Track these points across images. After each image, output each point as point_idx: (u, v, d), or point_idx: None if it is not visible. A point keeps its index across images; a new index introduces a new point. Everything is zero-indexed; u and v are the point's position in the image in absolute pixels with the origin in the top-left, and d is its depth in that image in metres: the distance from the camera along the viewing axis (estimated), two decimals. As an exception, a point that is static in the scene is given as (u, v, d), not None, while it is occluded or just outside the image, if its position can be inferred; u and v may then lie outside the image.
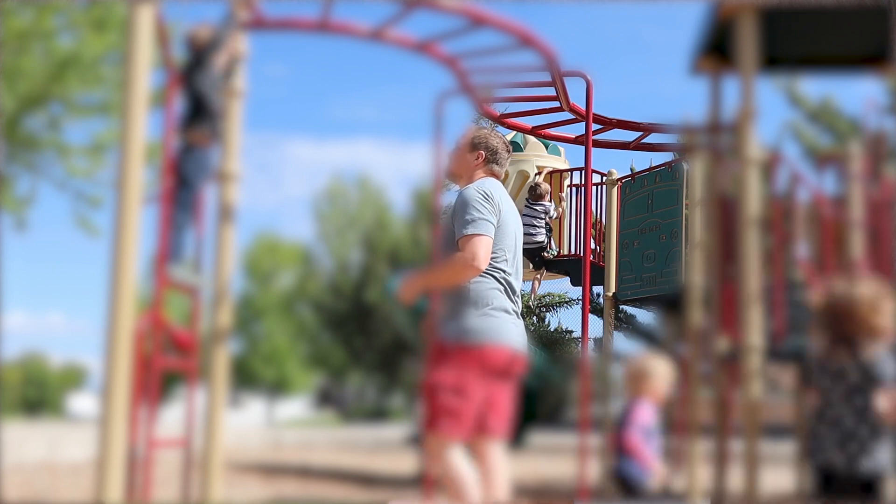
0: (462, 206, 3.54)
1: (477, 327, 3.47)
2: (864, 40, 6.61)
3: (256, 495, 6.68)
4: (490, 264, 3.52)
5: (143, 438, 3.82)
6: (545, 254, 8.20)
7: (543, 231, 8.16)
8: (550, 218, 8.31)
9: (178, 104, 4.36)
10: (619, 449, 4.27)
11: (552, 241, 8.82)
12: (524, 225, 7.97)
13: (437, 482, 5.87)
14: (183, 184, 4.22)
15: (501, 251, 3.56)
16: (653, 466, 4.31)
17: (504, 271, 3.57)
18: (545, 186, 8.23)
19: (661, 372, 4.38)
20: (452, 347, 3.47)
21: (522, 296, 7.94)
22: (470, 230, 3.47)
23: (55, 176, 13.52)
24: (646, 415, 4.29)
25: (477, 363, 3.45)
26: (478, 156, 3.76)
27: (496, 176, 3.79)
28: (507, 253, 3.59)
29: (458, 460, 3.45)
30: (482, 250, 3.46)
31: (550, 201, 8.25)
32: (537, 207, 8.17)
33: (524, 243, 7.99)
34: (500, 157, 3.78)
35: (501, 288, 3.55)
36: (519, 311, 3.63)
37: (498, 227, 3.55)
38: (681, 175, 7.69)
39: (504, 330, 3.52)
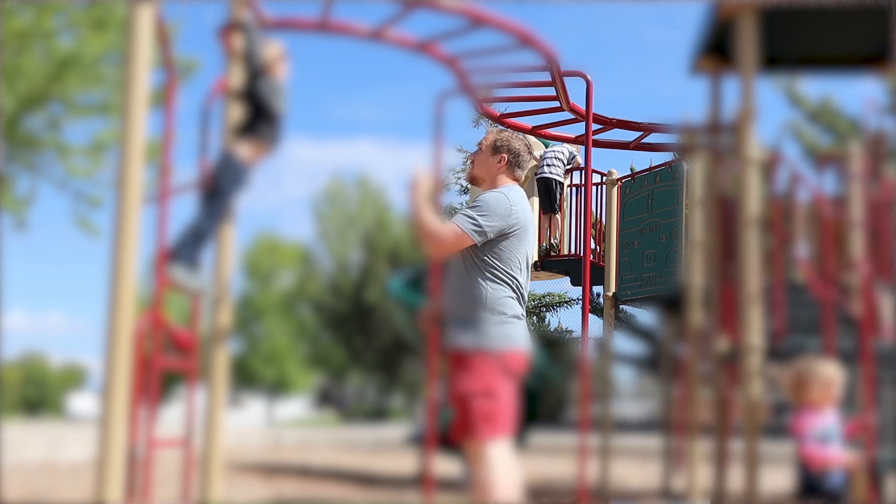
0: (479, 202, 3.60)
1: (498, 334, 3.53)
2: (864, 40, 6.61)
3: (256, 495, 6.68)
4: (506, 272, 3.58)
5: (143, 438, 3.82)
6: (555, 188, 8.68)
7: (562, 169, 8.65)
8: (573, 159, 8.72)
9: (239, 113, 4.34)
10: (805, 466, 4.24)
11: (553, 242, 8.85)
12: (545, 158, 8.64)
13: (439, 483, 5.87)
14: (215, 192, 4.16)
15: (517, 259, 3.62)
16: (842, 462, 4.18)
17: (518, 279, 3.63)
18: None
19: (833, 377, 4.25)
20: (473, 354, 3.50)
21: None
22: (463, 224, 3.53)
23: (55, 176, 13.50)
24: (810, 423, 4.18)
25: (500, 367, 3.51)
26: (500, 159, 3.76)
27: (518, 180, 3.81)
28: (521, 262, 3.65)
29: (503, 463, 3.46)
30: (453, 246, 3.56)
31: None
32: (564, 149, 8.68)
33: (544, 174, 8.52)
34: (522, 160, 3.80)
35: (516, 296, 3.62)
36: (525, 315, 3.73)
37: (516, 235, 3.60)
38: (681, 175, 7.69)
39: (519, 335, 3.60)
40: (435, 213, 3.64)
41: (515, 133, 3.90)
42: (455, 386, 3.50)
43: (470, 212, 3.57)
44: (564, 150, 8.77)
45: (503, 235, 3.58)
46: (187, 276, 4.10)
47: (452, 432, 3.55)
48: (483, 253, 3.58)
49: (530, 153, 3.86)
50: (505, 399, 3.50)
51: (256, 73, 4.25)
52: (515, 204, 3.62)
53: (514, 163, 3.77)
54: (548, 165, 8.75)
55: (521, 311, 3.64)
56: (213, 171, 4.23)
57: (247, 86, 4.31)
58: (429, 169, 3.70)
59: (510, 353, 3.54)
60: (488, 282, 3.56)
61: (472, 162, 3.86)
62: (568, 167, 8.83)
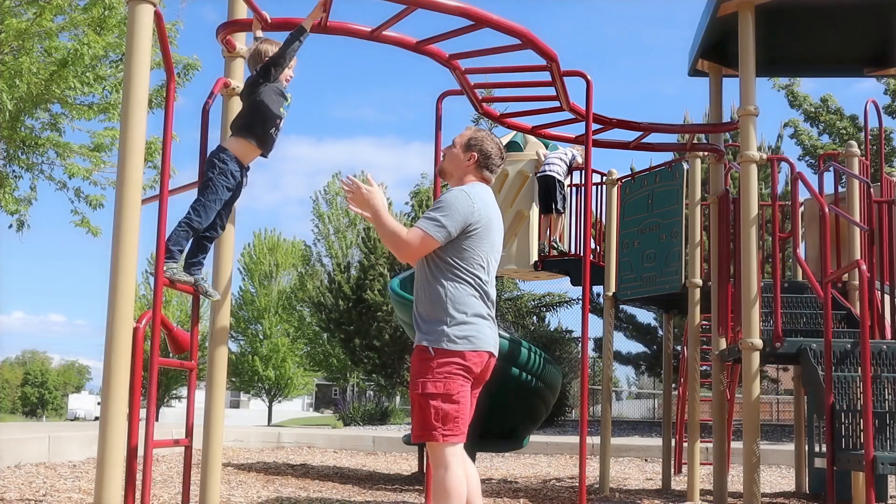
0: (441, 202, 3.59)
1: (458, 335, 3.49)
2: (864, 40, 6.61)
3: (256, 495, 6.68)
4: (467, 270, 3.56)
5: (143, 438, 3.82)
6: (556, 197, 8.81)
7: (563, 169, 8.81)
8: (574, 161, 8.84)
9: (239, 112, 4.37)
10: None
11: (554, 243, 8.85)
12: (548, 158, 8.79)
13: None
14: (205, 186, 4.25)
15: (479, 257, 3.59)
16: None
17: (480, 278, 3.59)
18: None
19: None
20: (434, 354, 3.48)
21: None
22: (426, 227, 3.52)
23: (55, 176, 13.49)
24: None
25: (459, 369, 3.48)
26: (470, 157, 3.74)
27: (486, 181, 3.78)
28: (483, 260, 3.61)
29: (460, 470, 3.46)
30: (420, 250, 3.54)
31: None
32: (568, 151, 8.83)
33: (545, 171, 8.69)
34: (492, 162, 3.76)
35: (478, 294, 3.57)
36: (493, 316, 3.66)
37: (477, 233, 3.57)
38: (681, 175, 7.69)
39: (482, 335, 3.55)
40: (394, 219, 3.64)
41: (492, 135, 3.86)
42: (414, 387, 3.49)
43: (432, 213, 3.55)
44: (568, 151, 8.79)
45: (465, 233, 3.55)
46: (181, 272, 4.13)
47: (412, 432, 3.56)
48: (445, 252, 3.55)
49: (502, 157, 3.82)
50: (464, 401, 3.48)
51: (267, 78, 4.30)
52: (477, 202, 3.59)
53: (483, 163, 3.74)
54: (549, 164, 8.77)
55: (485, 310, 3.59)
56: (204, 165, 4.31)
57: (252, 86, 4.34)
58: (370, 178, 3.67)
59: (469, 353, 3.49)
60: (449, 281, 3.53)
61: (444, 155, 3.85)
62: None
